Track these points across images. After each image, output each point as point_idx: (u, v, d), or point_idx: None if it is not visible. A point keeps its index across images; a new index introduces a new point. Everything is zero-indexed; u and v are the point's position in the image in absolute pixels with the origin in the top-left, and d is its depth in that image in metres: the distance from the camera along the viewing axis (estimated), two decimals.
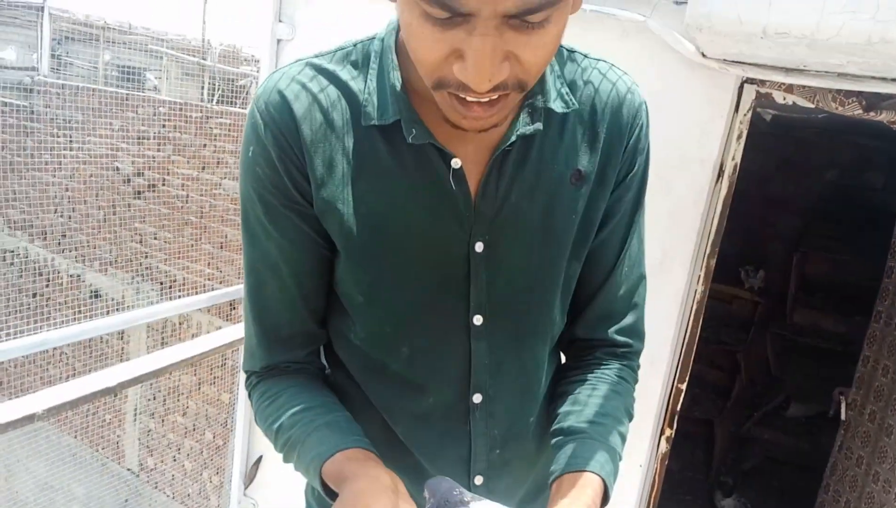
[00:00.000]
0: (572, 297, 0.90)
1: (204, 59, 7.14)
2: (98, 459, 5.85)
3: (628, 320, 0.91)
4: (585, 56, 0.84)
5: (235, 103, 6.21)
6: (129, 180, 6.07)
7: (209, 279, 5.55)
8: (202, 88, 7.28)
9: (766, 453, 4.16)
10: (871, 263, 3.39)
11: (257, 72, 5.34)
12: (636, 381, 0.93)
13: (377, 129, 0.75)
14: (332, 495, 0.71)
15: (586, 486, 0.73)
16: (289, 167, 0.76)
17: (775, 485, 4.03)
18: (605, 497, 0.76)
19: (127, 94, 6.25)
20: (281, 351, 0.86)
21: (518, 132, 0.75)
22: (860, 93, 1.85)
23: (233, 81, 6.78)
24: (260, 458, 2.84)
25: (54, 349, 5.57)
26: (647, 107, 0.85)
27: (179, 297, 5.34)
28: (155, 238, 5.95)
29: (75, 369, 5.61)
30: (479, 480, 0.89)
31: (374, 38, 0.78)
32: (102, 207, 6.14)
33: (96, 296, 6.23)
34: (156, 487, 5.67)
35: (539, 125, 0.76)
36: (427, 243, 0.78)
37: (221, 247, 5.64)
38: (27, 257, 6.30)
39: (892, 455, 2.61)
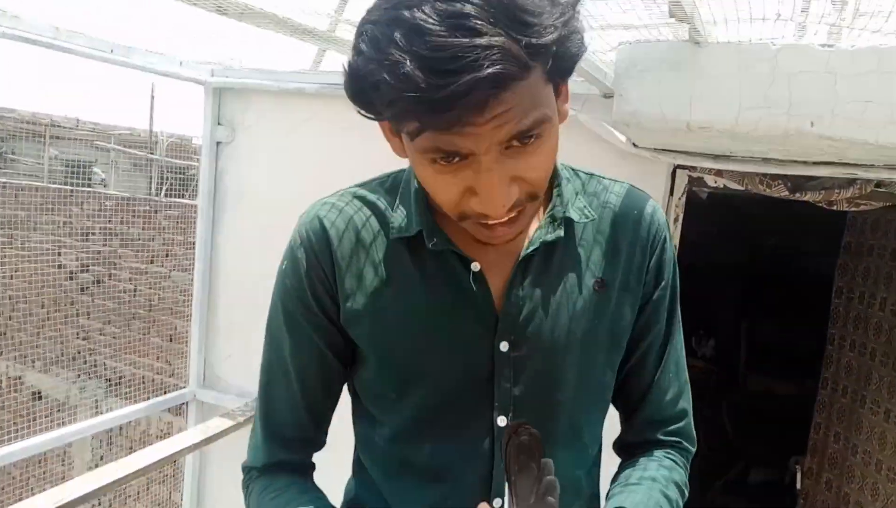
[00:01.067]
0: (624, 408, 0.94)
1: (152, 152, 7.13)
2: None
3: (679, 424, 0.92)
4: (606, 178, 0.91)
5: (184, 195, 6.17)
6: (73, 276, 5.92)
7: (158, 373, 5.37)
8: (150, 180, 7.24)
9: None
10: (816, 327, 3.47)
11: None
12: (686, 468, 0.93)
13: (403, 241, 0.82)
14: None
15: None
16: (314, 284, 0.83)
17: None
18: None
19: (71, 189, 6.17)
20: (283, 451, 0.91)
21: (541, 239, 0.81)
22: (785, 176, 1.93)
23: (182, 171, 6.76)
24: None
25: None
26: (666, 222, 0.91)
27: (127, 393, 5.16)
28: (101, 334, 5.76)
29: (13, 475, 5.29)
30: None
31: (402, 170, 0.87)
32: (45, 304, 5.94)
33: (38, 398, 5.96)
34: None
35: (560, 232, 0.82)
36: (451, 343, 0.82)
37: (171, 339, 5.48)
38: None
39: None
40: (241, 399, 2.48)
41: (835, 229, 3.12)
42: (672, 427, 0.91)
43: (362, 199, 0.86)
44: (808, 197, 1.94)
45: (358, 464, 0.95)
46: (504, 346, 0.81)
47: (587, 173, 0.90)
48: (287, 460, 0.91)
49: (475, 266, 0.81)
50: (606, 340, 0.86)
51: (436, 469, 0.85)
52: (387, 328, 0.82)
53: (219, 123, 2.39)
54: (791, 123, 1.45)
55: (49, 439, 2.22)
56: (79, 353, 5.70)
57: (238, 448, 2.72)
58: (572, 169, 0.90)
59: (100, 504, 5.57)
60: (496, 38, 0.60)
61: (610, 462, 0.97)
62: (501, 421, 0.83)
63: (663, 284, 0.89)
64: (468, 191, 0.68)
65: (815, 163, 1.83)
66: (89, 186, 6.49)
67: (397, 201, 0.85)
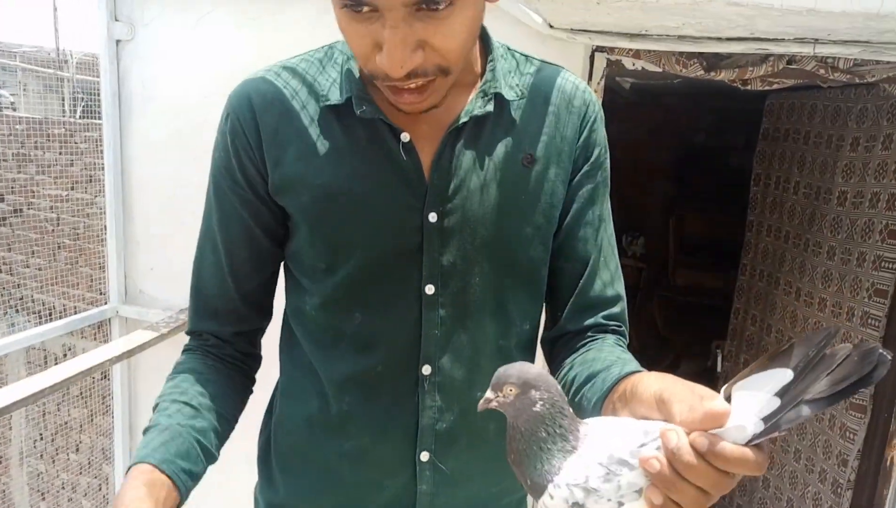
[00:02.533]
0: (553, 295, 0.93)
1: (61, 70, 6.70)
2: None
3: (616, 307, 0.91)
4: (541, 61, 0.92)
5: (101, 116, 5.86)
6: None
7: (91, 304, 5.22)
8: (63, 101, 6.85)
9: None
10: (741, 219, 3.58)
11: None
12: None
13: (333, 110, 0.83)
14: None
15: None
16: (239, 153, 0.85)
17: None
18: None
19: None
20: (207, 320, 0.93)
21: (471, 113, 0.82)
22: (700, 54, 1.93)
23: (98, 91, 6.39)
24: None
25: None
26: (599, 105, 0.92)
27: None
28: (26, 266, 5.53)
29: None
30: (424, 456, 0.89)
31: (338, 42, 0.87)
32: None
33: None
34: None
35: (490, 108, 0.83)
36: (383, 212, 0.83)
37: (101, 268, 5.30)
38: None
39: None
40: (165, 312, 2.42)
41: (758, 124, 3.17)
42: (612, 310, 0.91)
43: (291, 70, 0.87)
44: (723, 76, 1.94)
45: (286, 340, 0.96)
46: (433, 217, 0.83)
47: (522, 55, 0.91)
48: (215, 331, 0.93)
49: (405, 136, 0.82)
50: (535, 213, 0.87)
51: (366, 337, 0.87)
52: (316, 196, 0.83)
53: (116, 20, 2.23)
54: None
55: None
56: (3, 288, 5.49)
57: (167, 361, 2.69)
58: (508, 48, 0.91)
59: (42, 438, 5.51)
60: None
61: None
62: (429, 290, 0.85)
63: (593, 160, 0.90)
64: (376, 47, 0.69)
65: (728, 39, 1.83)
66: None
67: (327, 70, 0.86)
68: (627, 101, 4.37)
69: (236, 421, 0.93)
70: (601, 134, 0.91)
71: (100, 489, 5.27)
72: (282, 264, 0.94)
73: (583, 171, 0.89)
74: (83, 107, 6.28)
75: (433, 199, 0.83)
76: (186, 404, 0.84)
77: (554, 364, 0.94)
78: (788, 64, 1.89)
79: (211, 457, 0.85)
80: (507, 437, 0.64)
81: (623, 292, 0.94)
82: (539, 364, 0.96)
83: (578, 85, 0.91)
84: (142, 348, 2.22)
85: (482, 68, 0.86)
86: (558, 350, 0.93)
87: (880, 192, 2.15)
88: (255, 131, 0.84)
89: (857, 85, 2.18)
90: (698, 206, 4.43)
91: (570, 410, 0.62)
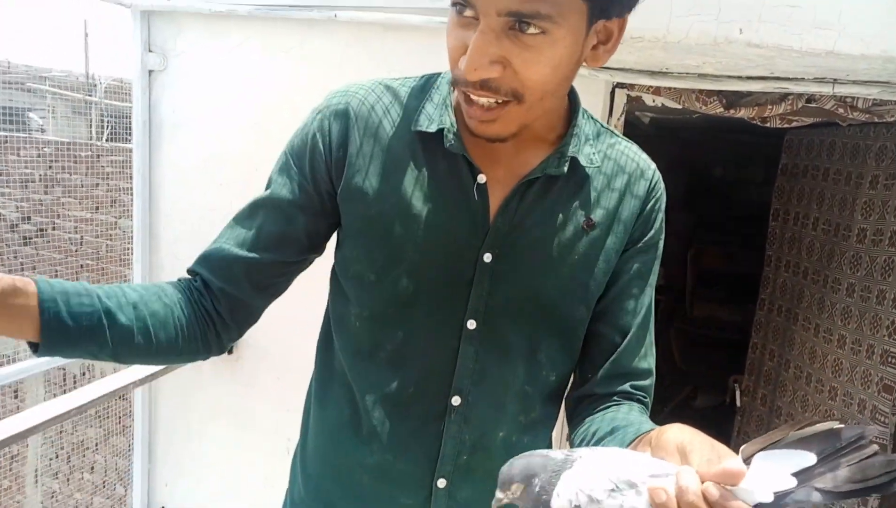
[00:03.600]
0: (589, 357, 0.95)
1: (90, 95, 6.85)
2: None
3: (646, 381, 0.94)
4: (619, 135, 0.96)
5: (128, 140, 5.96)
6: (15, 227, 5.72)
7: None
8: (91, 125, 6.98)
9: None
10: (759, 253, 3.58)
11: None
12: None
13: (420, 137, 0.87)
14: None
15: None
16: (315, 150, 0.88)
17: None
18: None
19: (7, 136, 5.91)
20: (205, 265, 0.90)
21: (545, 170, 0.86)
22: (720, 92, 1.96)
23: (125, 116, 6.51)
24: None
25: None
26: (664, 188, 0.96)
27: None
28: None
29: None
30: (441, 483, 0.92)
31: (438, 73, 0.92)
32: None
33: None
34: None
35: (564, 170, 0.86)
36: (442, 241, 0.86)
37: None
38: None
39: None
40: None
41: (777, 158, 3.19)
42: (642, 383, 0.93)
43: (392, 90, 0.91)
44: (743, 113, 1.97)
45: (324, 343, 0.99)
46: (488, 257, 0.86)
47: (604, 126, 0.96)
48: (205, 277, 0.90)
49: (482, 178, 0.85)
50: (584, 275, 0.90)
51: (404, 356, 0.90)
52: (384, 210, 0.86)
53: (149, 50, 2.30)
54: (720, 31, 1.46)
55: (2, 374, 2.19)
56: None
57: (188, 383, 2.71)
58: (592, 116, 0.94)
59: (57, 457, 5.54)
60: None
61: None
62: (471, 324, 0.88)
63: (649, 237, 0.93)
64: (463, 49, 0.74)
65: (747, 78, 1.86)
66: (26, 132, 6.24)
67: (426, 99, 0.89)
68: (647, 133, 4.40)
69: (160, 351, 0.85)
70: (661, 216, 0.95)
71: None
72: (304, 265, 0.95)
73: (637, 247, 0.93)
74: (110, 131, 6.40)
75: (492, 240, 0.86)
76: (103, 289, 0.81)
77: (574, 421, 0.96)
78: (808, 102, 1.92)
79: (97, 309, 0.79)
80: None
81: (654, 367, 0.96)
82: (560, 418, 0.99)
83: (649, 165, 0.95)
84: (165, 370, 2.26)
85: (565, 130, 0.89)
86: (582, 409, 0.95)
87: None
88: (342, 138, 0.88)
89: (877, 123, 2.20)
90: (717, 239, 4.43)
91: (563, 453, 0.65)
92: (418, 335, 0.89)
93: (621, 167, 0.92)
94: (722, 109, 1.97)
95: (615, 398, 0.92)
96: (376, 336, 0.91)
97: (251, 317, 0.95)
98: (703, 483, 0.56)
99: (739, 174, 4.51)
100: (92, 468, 5.39)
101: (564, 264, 0.89)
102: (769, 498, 0.53)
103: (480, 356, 0.89)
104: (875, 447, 0.55)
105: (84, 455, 5.39)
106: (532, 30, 0.71)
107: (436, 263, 0.87)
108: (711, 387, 4.28)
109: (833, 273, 2.51)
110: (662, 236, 0.96)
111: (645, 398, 0.94)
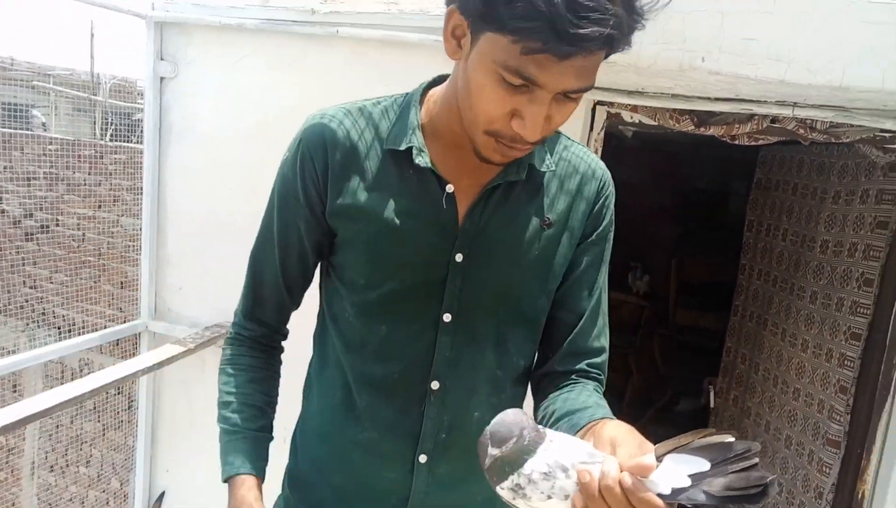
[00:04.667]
0: (549, 339, 1.07)
1: (94, 94, 6.92)
2: None
3: (600, 358, 1.07)
4: (569, 139, 1.07)
5: (131, 139, 6.06)
6: (17, 222, 5.79)
7: (111, 321, 5.36)
8: (94, 123, 7.05)
9: None
10: (737, 262, 3.73)
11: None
12: None
13: (392, 154, 0.97)
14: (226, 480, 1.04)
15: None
16: (306, 179, 0.99)
17: None
18: None
19: (11, 133, 5.99)
20: (258, 307, 1.11)
21: (506, 177, 0.97)
22: (692, 111, 2.11)
23: (128, 115, 6.62)
24: (162, 494, 2.83)
25: None
26: (612, 186, 1.07)
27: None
28: (50, 282, 5.66)
29: None
30: (423, 458, 1.03)
31: (406, 93, 1.03)
32: None
33: None
34: None
35: (522, 175, 0.98)
36: (419, 247, 0.97)
37: (122, 286, 5.43)
38: None
39: (751, 435, 2.90)
40: (192, 329, 2.59)
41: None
42: (595, 360, 1.06)
43: (365, 113, 1.01)
44: (712, 131, 2.12)
45: (321, 335, 1.12)
46: (459, 257, 0.98)
47: (557, 132, 1.05)
48: (262, 317, 1.11)
49: (449, 188, 0.96)
50: (544, 269, 1.02)
51: (388, 348, 1.02)
52: (366, 225, 0.97)
53: (161, 59, 2.44)
54: (685, 58, 1.62)
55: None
56: (27, 302, 5.64)
57: (191, 375, 2.82)
58: None
59: (53, 450, 5.63)
60: (620, 11, 0.74)
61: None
62: (447, 318, 1.00)
63: (600, 231, 1.05)
64: (514, 113, 0.82)
65: (715, 99, 2.01)
66: (29, 129, 6.33)
67: (396, 119, 0.99)
68: (634, 147, 4.56)
69: (278, 388, 1.15)
70: (611, 211, 1.07)
71: (107, 503, 5.37)
72: (317, 270, 1.11)
73: (590, 239, 1.05)
74: (113, 130, 6.51)
75: (462, 242, 0.97)
76: (252, 406, 1.08)
77: (538, 397, 1.09)
78: (772, 123, 2.07)
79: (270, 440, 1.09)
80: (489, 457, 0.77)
81: (608, 346, 1.09)
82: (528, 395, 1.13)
83: (598, 166, 1.06)
84: (169, 361, 2.39)
85: None
86: (544, 386, 1.08)
87: (858, 242, 2.32)
88: (323, 163, 0.98)
89: (839, 143, 2.37)
90: (699, 248, 4.58)
91: (540, 428, 0.77)
92: (400, 329, 1.01)
93: (575, 168, 1.04)
94: (693, 127, 2.12)
95: (573, 376, 1.05)
96: (364, 331, 1.03)
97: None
98: (622, 470, 0.68)
99: (721, 187, 4.66)
100: (88, 462, 5.47)
101: (526, 260, 1.00)
102: (667, 492, 0.67)
103: (455, 344, 1.01)
104: (756, 460, 0.67)
105: (81, 449, 5.47)
106: (577, 95, 0.82)
107: (414, 266, 0.98)
108: (692, 392, 4.42)
109: (799, 281, 2.67)
110: (612, 229, 1.08)
111: (599, 374, 1.06)
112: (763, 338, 2.91)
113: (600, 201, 1.05)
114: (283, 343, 1.18)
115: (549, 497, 0.72)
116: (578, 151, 1.06)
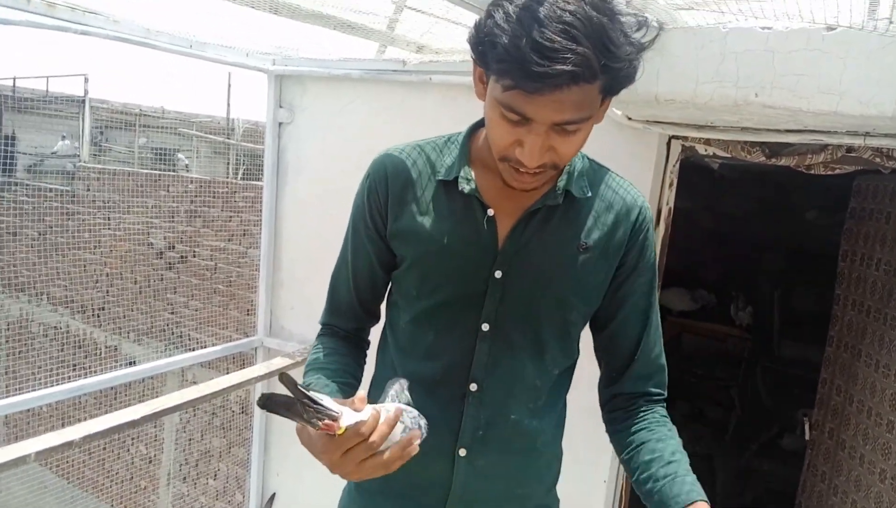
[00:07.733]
0: (613, 360, 1.20)
1: (229, 137, 7.55)
2: None
3: (661, 378, 1.20)
4: (609, 170, 1.18)
5: (260, 177, 6.60)
6: (161, 254, 6.37)
7: None
8: (228, 164, 7.66)
9: (766, 484, 4.28)
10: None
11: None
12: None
13: (443, 184, 1.12)
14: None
15: None
16: (372, 207, 1.15)
17: None
18: None
19: (159, 174, 6.62)
20: (336, 316, 1.26)
21: (545, 202, 1.09)
22: (763, 143, 2.16)
23: (258, 156, 7.24)
24: (273, 496, 3.12)
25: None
26: (651, 217, 1.17)
27: (210, 363, 5.57)
28: (186, 308, 6.17)
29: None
30: (462, 452, 1.13)
31: (459, 133, 1.17)
32: (138, 280, 6.42)
33: (132, 365, 6.49)
34: None
35: (559, 201, 1.09)
36: (462, 264, 1.10)
37: (248, 313, 5.84)
38: (68, 332, 6.56)
39: (846, 468, 2.81)
40: (300, 345, 2.89)
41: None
42: (658, 380, 1.19)
43: (420, 150, 1.16)
44: (784, 162, 2.17)
45: (382, 342, 1.26)
46: (498, 274, 1.09)
47: (599, 165, 1.18)
48: (341, 325, 1.26)
49: (490, 212, 1.09)
50: (578, 288, 1.12)
51: (434, 351, 1.14)
52: (419, 244, 1.11)
53: (280, 106, 2.80)
54: (739, 94, 1.71)
55: (135, 371, 2.70)
56: (167, 326, 6.19)
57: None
58: (588, 158, 1.16)
59: (186, 462, 6.12)
60: (586, 50, 0.85)
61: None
62: (485, 327, 1.11)
63: (644, 262, 1.15)
64: (517, 142, 0.94)
65: (786, 130, 2.06)
66: (174, 170, 7.03)
67: (447, 154, 1.13)
68: (731, 178, 4.52)
69: (362, 374, 1.26)
70: (651, 242, 1.16)
71: None
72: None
73: (637, 271, 1.14)
74: (244, 170, 7.12)
75: (501, 260, 1.08)
76: (338, 368, 1.17)
77: (614, 421, 1.20)
78: (848, 152, 2.09)
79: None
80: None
81: (665, 361, 1.20)
82: (583, 407, 1.26)
83: (637, 198, 1.15)
84: (279, 370, 2.69)
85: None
86: (615, 406, 1.20)
87: None
88: (385, 192, 1.12)
89: None
90: (809, 279, 4.45)
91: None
92: (445, 335, 1.13)
93: (615, 199, 1.13)
94: (764, 159, 2.18)
95: (641, 400, 1.17)
96: (415, 336, 1.16)
97: (372, 326, 1.31)
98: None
99: (833, 217, 4.52)
100: (215, 475, 5.91)
101: (560, 279, 1.10)
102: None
103: (493, 351, 1.12)
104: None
105: (209, 463, 5.92)
106: (572, 127, 0.92)
107: (458, 281, 1.11)
108: (795, 427, 4.26)
109: (892, 311, 2.60)
110: (655, 257, 1.19)
111: (663, 394, 1.19)
112: (857, 369, 2.84)
113: (642, 233, 1.14)
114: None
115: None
116: (620, 184, 1.16)
